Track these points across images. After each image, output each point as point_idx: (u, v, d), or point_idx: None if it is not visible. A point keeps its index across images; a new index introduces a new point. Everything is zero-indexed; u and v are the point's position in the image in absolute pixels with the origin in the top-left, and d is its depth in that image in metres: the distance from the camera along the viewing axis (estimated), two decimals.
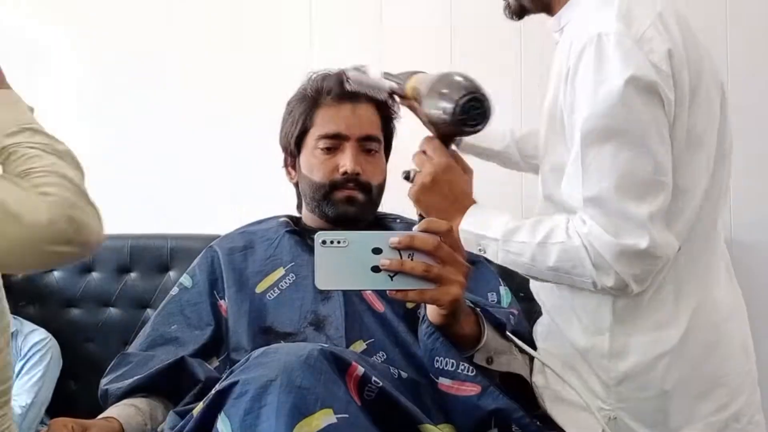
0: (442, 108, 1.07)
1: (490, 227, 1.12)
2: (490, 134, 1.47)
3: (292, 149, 1.36)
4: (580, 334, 1.14)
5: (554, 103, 1.12)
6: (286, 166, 1.41)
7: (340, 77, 1.30)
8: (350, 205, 1.29)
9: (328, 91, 1.31)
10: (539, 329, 1.23)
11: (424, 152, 1.16)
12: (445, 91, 1.07)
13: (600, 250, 1.02)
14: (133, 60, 2.66)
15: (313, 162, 1.31)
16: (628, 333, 1.11)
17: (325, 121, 1.31)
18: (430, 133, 1.17)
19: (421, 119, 1.18)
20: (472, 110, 1.05)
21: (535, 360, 1.17)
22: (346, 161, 1.28)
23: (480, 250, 1.13)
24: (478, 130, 1.08)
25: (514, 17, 1.28)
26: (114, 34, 2.65)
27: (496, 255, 1.12)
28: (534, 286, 1.23)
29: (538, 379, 1.18)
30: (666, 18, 1.07)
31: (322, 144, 1.30)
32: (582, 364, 1.14)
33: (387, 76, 1.26)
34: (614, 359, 1.11)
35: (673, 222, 1.08)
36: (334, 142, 1.30)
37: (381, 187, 1.35)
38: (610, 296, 1.09)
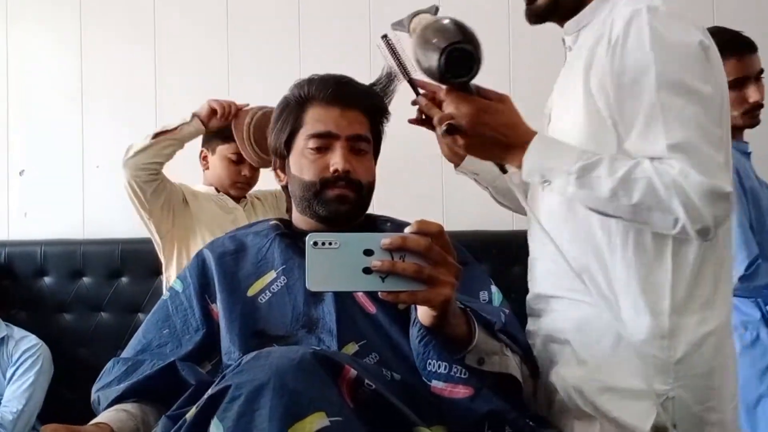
0: (427, 60, 1.06)
1: (561, 158, 1.12)
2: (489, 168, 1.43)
3: (282, 151, 1.36)
4: (634, 316, 1.17)
5: (586, 99, 1.15)
6: (275, 168, 1.40)
7: (328, 81, 1.31)
8: (341, 203, 1.29)
9: (317, 94, 1.31)
10: (567, 326, 1.24)
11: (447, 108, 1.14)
12: (430, 40, 1.06)
13: (689, 190, 1.06)
14: (126, 68, 2.66)
15: (303, 162, 1.31)
16: (681, 312, 1.17)
17: (315, 121, 1.31)
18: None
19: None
20: (455, 63, 1.05)
21: (569, 352, 1.21)
22: (336, 159, 1.28)
23: (544, 182, 1.13)
24: (466, 82, 1.10)
25: (537, 20, 1.29)
26: (109, 46, 2.64)
27: (564, 189, 1.12)
28: (578, 268, 1.20)
29: (574, 372, 1.19)
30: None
31: (312, 143, 1.30)
32: (627, 348, 1.16)
33: (395, 26, 1.24)
34: (673, 338, 1.16)
35: None
36: (325, 142, 1.29)
37: (371, 187, 1.34)
38: (669, 275, 1.15)
